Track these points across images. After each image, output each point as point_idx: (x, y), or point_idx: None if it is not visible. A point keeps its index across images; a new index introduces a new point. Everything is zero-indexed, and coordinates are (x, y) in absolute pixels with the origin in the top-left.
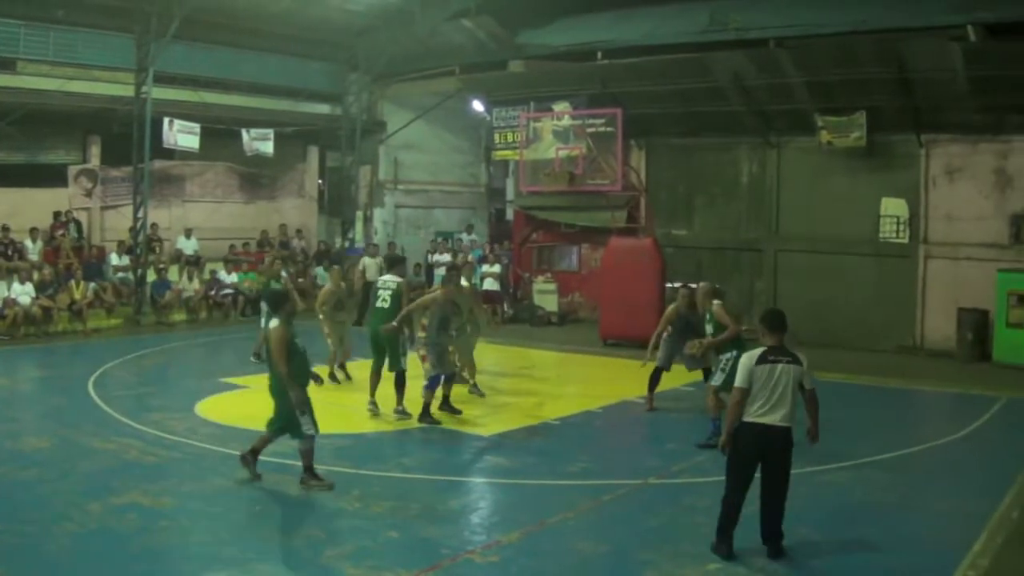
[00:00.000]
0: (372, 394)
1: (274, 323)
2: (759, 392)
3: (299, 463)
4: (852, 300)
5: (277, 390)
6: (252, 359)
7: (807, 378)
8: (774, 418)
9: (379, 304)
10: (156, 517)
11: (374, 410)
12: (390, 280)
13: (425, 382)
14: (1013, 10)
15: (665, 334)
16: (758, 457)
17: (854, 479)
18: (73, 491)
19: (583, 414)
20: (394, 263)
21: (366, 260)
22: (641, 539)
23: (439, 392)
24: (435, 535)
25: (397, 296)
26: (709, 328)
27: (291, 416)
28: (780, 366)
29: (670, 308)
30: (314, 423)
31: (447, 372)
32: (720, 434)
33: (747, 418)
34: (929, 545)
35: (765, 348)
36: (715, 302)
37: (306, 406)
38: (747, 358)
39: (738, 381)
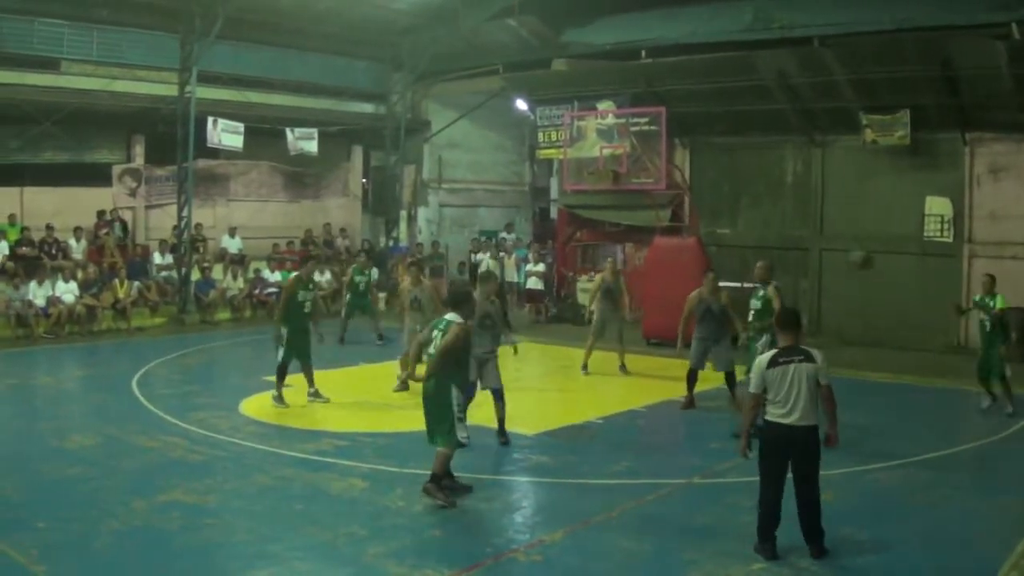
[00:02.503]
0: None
1: (454, 317)
2: (776, 395)
3: (343, 461)
4: (897, 299)
5: (439, 391)
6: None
7: (823, 374)
8: (794, 418)
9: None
10: (200, 515)
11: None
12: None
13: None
14: None
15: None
16: (784, 456)
17: (898, 478)
18: (118, 489)
19: (626, 413)
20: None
21: (489, 261)
22: (685, 538)
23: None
24: (478, 534)
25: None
26: (757, 303)
27: (450, 419)
28: (792, 366)
29: (693, 293)
30: (467, 431)
31: (492, 386)
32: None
33: (770, 418)
34: (972, 545)
35: (777, 350)
36: (773, 283)
37: (462, 410)
38: (759, 363)
39: (752, 387)
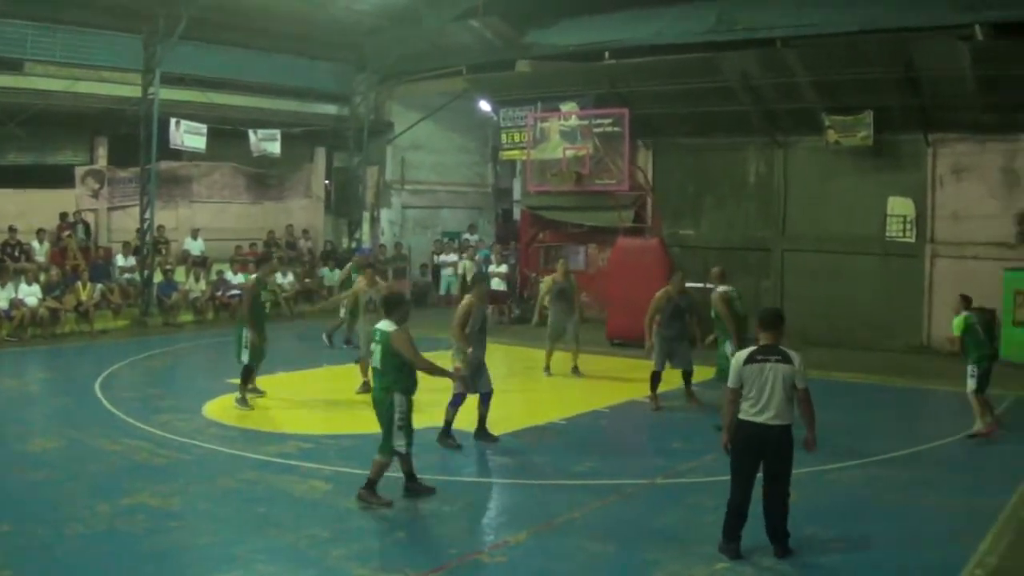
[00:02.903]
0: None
1: (389, 326)
2: (749, 391)
3: (306, 463)
4: (859, 299)
5: (381, 399)
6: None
7: (799, 377)
8: (766, 416)
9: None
10: (165, 518)
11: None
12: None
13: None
14: (1020, 9)
15: (657, 328)
16: (757, 455)
17: (862, 477)
18: (82, 492)
19: (590, 414)
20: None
21: (465, 263)
22: (649, 539)
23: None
24: (443, 535)
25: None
26: (714, 312)
27: (388, 426)
28: (769, 365)
29: (660, 292)
30: (409, 443)
31: (484, 391)
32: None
33: (743, 416)
34: (936, 543)
35: (755, 347)
36: (719, 288)
37: (406, 419)
38: (737, 358)
39: (729, 381)
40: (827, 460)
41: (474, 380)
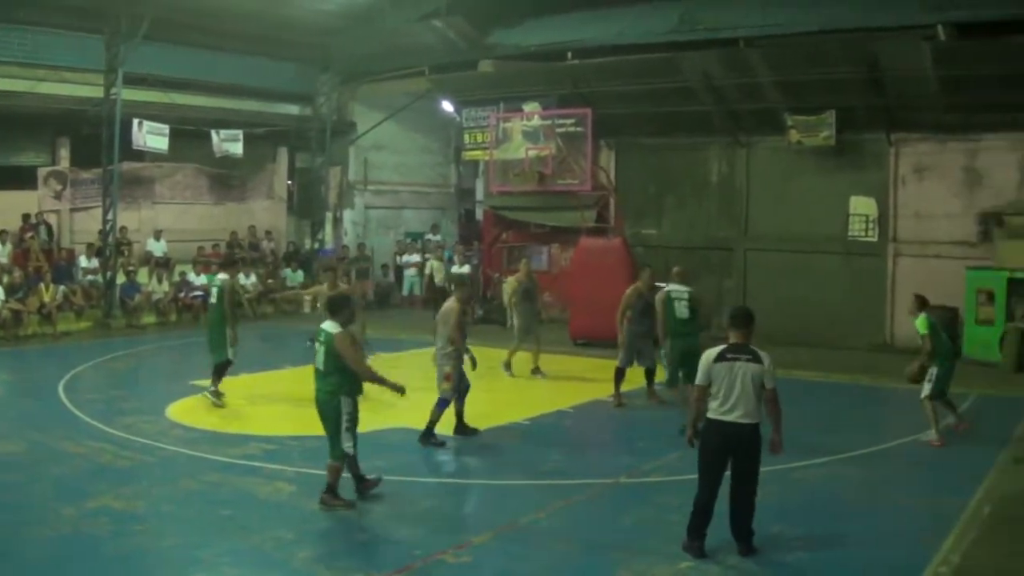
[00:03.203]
0: None
1: (334, 327)
2: (719, 390)
3: (270, 465)
4: (822, 298)
5: (326, 401)
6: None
7: (768, 377)
8: (735, 415)
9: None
10: (129, 521)
11: None
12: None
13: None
14: (983, 10)
15: (627, 324)
16: (725, 454)
17: (826, 475)
18: (45, 495)
19: (554, 414)
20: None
21: (433, 263)
22: (613, 538)
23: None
24: (407, 536)
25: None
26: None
27: (336, 429)
28: (738, 364)
29: (630, 289)
30: (355, 444)
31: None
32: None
33: (711, 415)
34: (900, 541)
35: (725, 346)
36: (665, 287)
37: (354, 421)
38: (706, 356)
39: (697, 379)
40: (791, 458)
41: (459, 381)
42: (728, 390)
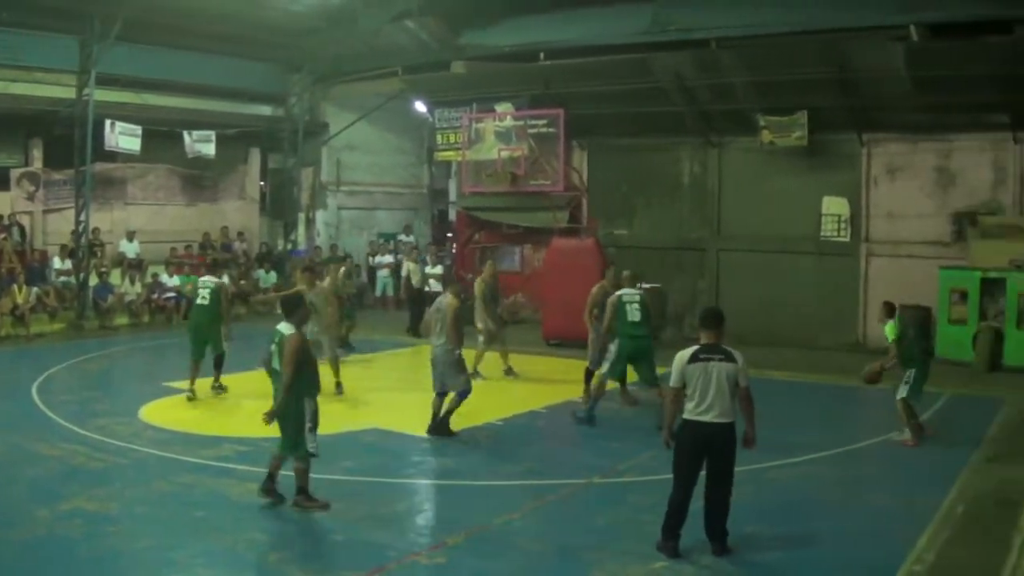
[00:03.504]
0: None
1: (288, 328)
2: (694, 391)
3: (243, 466)
4: (795, 298)
5: (290, 403)
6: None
7: (742, 376)
8: (711, 415)
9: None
10: (103, 522)
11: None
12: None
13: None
14: (955, 10)
15: (594, 323)
16: (700, 454)
17: (799, 475)
18: (20, 497)
19: (527, 414)
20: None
21: (410, 265)
22: (587, 538)
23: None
24: (381, 538)
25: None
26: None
27: (297, 431)
28: (713, 363)
29: (596, 287)
30: (317, 444)
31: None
32: (590, 418)
33: (687, 416)
34: (875, 540)
35: (698, 346)
36: (619, 293)
37: (313, 421)
38: (679, 357)
39: (671, 380)
40: (765, 458)
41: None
42: (704, 390)
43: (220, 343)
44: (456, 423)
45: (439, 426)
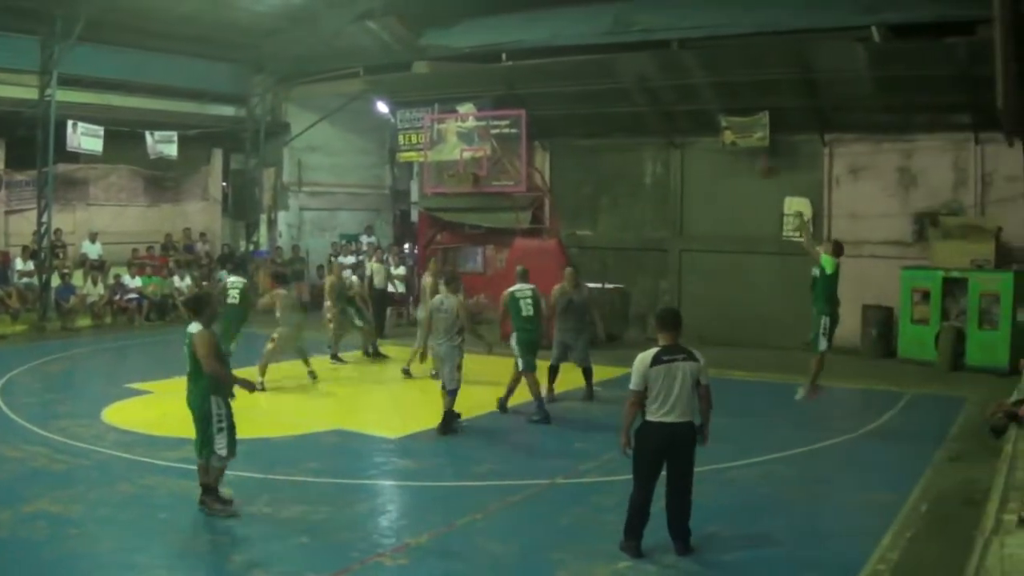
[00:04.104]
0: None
1: (196, 328)
2: (657, 393)
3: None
4: (757, 298)
5: (197, 402)
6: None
7: (703, 374)
8: (674, 416)
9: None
10: (65, 525)
11: None
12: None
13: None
14: (917, 11)
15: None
16: (663, 455)
17: (761, 474)
18: None
19: (489, 415)
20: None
21: (373, 266)
22: (551, 539)
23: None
24: (344, 539)
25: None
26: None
27: (206, 430)
28: (677, 364)
29: (555, 288)
30: (229, 444)
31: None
32: (544, 416)
33: (650, 417)
34: (838, 539)
35: (659, 348)
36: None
37: (226, 420)
38: (641, 360)
39: (633, 384)
40: (726, 458)
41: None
42: (667, 392)
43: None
44: (418, 424)
45: (445, 422)
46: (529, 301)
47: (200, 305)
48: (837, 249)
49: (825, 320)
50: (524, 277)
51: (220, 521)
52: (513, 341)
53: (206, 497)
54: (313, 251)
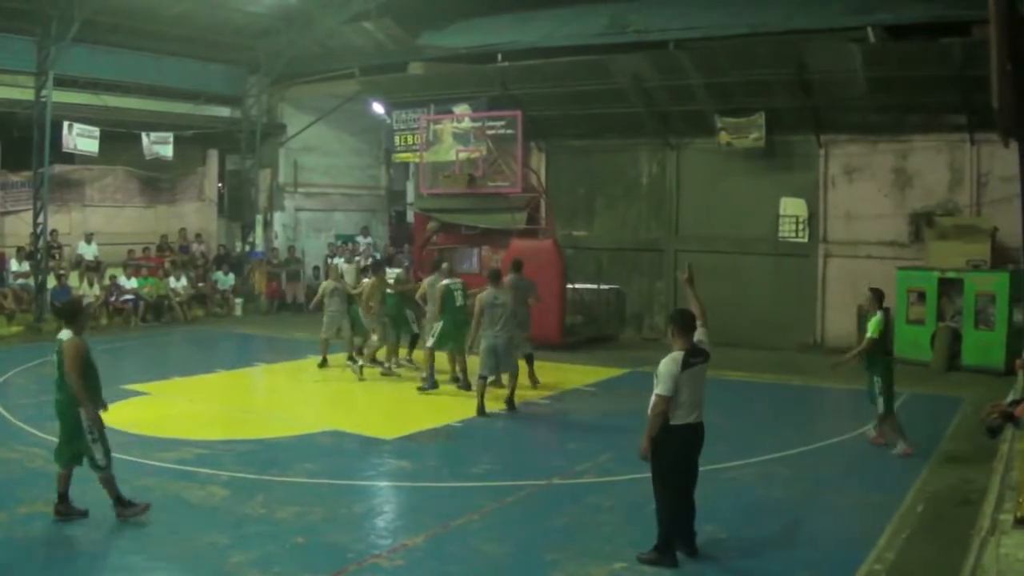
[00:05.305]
0: None
1: (67, 335)
2: (684, 397)
3: (202, 469)
4: (753, 299)
5: (64, 411)
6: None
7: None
8: (695, 416)
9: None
10: (62, 526)
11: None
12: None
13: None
14: (912, 12)
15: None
16: (693, 456)
17: (758, 476)
18: None
19: (489, 415)
20: (72, 316)
21: (343, 265)
22: (546, 539)
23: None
24: (341, 540)
25: None
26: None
27: (80, 441)
28: (699, 366)
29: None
30: (107, 452)
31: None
32: (432, 385)
33: (676, 422)
34: (835, 540)
35: (684, 351)
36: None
37: (97, 430)
38: (672, 365)
39: (664, 389)
40: (723, 459)
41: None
42: (693, 395)
43: (409, 325)
44: (415, 424)
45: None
46: (460, 293)
47: (72, 313)
48: (878, 297)
49: (877, 382)
50: (451, 272)
51: (218, 522)
52: (439, 325)
53: (118, 507)
54: (309, 252)
